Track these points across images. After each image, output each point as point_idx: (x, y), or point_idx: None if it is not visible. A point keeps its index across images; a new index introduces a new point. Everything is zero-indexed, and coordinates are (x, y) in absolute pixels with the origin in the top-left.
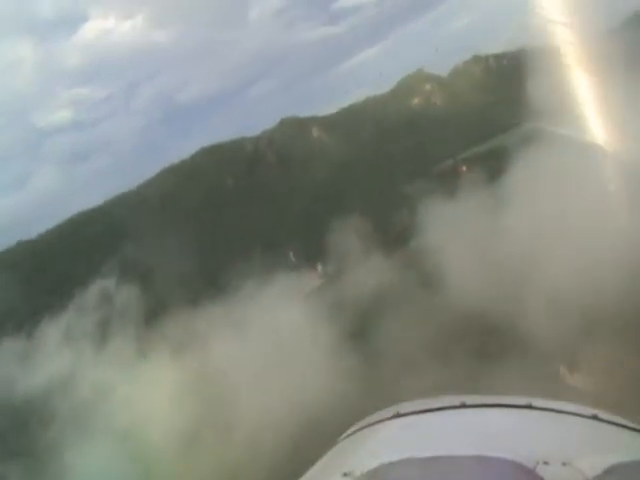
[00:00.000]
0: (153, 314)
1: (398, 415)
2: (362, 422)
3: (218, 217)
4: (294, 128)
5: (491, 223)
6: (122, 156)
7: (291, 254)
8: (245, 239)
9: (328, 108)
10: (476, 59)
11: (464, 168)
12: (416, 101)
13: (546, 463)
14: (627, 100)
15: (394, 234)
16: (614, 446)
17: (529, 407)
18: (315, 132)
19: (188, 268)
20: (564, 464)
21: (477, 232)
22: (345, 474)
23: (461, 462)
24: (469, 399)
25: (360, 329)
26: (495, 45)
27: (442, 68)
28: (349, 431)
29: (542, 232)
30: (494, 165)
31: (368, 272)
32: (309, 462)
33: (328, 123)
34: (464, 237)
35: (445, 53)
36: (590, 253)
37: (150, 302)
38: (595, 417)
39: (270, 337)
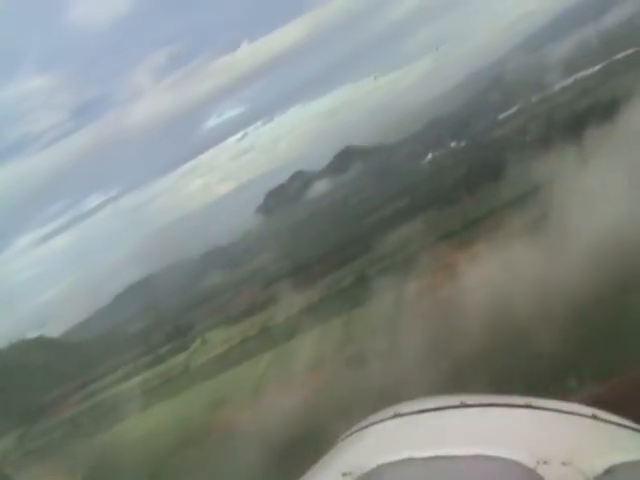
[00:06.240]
0: None
1: (397, 415)
2: (362, 422)
3: None
4: None
5: None
6: None
7: None
8: None
9: None
10: None
11: None
12: None
13: (546, 463)
14: None
15: None
16: (614, 446)
17: (529, 407)
18: None
19: None
20: (564, 464)
21: None
22: (344, 474)
23: (461, 462)
24: (469, 399)
25: None
26: None
27: None
28: (349, 431)
29: None
30: None
31: None
32: (309, 462)
33: None
34: None
35: None
36: None
37: None
38: (595, 417)
39: None
